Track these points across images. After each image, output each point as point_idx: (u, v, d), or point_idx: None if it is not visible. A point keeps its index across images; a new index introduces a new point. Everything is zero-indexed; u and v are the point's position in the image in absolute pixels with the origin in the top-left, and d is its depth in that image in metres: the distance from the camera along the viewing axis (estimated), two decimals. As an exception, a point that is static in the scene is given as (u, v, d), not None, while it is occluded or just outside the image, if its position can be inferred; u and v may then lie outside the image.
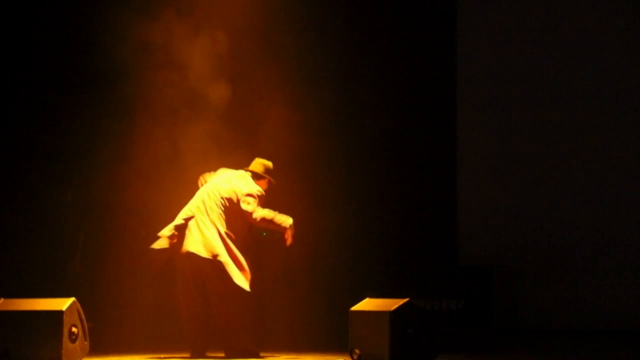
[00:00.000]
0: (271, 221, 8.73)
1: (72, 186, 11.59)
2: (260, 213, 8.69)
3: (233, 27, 10.31)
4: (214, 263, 8.59)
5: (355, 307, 8.34)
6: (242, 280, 8.60)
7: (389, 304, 7.97)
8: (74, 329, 8.01)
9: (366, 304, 8.35)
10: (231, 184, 8.82)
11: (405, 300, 7.96)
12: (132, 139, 10.87)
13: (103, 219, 11.45)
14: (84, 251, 11.67)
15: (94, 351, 8.39)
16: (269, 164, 9.02)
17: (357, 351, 8.09)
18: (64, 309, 7.93)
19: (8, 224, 11.56)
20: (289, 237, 8.72)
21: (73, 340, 8.00)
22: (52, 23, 11.75)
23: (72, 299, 8.06)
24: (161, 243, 8.70)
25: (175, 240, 8.69)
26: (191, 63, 10.02)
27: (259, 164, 9.01)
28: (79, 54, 11.55)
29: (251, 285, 8.66)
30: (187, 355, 8.77)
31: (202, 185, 9.01)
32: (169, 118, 10.31)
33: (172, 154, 10.43)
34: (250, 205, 8.70)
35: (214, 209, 8.72)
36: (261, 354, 8.77)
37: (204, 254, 8.61)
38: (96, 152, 11.47)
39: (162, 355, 8.72)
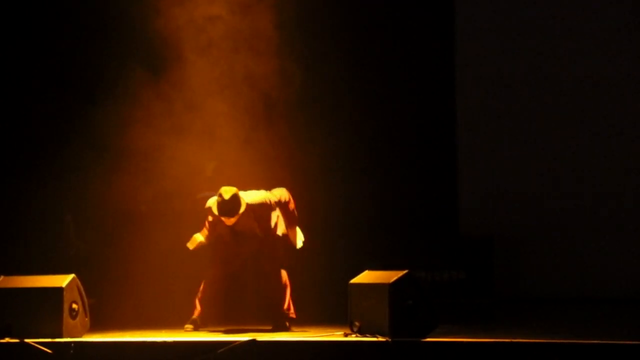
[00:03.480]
0: None
1: (77, 168, 11.54)
2: None
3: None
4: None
5: (354, 280, 8.34)
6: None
7: (388, 276, 7.95)
8: (74, 306, 8.04)
9: (365, 276, 8.34)
10: None
11: (405, 272, 7.94)
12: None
13: (102, 196, 11.42)
14: (79, 228, 11.67)
15: (94, 327, 8.42)
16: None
17: (357, 323, 8.09)
18: (63, 285, 7.96)
19: (7, 202, 11.55)
20: None
21: (74, 317, 8.03)
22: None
23: (71, 276, 8.09)
24: None
25: None
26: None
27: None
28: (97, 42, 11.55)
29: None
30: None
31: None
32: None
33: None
34: None
35: None
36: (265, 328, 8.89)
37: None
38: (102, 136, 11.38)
39: (163, 331, 8.73)
